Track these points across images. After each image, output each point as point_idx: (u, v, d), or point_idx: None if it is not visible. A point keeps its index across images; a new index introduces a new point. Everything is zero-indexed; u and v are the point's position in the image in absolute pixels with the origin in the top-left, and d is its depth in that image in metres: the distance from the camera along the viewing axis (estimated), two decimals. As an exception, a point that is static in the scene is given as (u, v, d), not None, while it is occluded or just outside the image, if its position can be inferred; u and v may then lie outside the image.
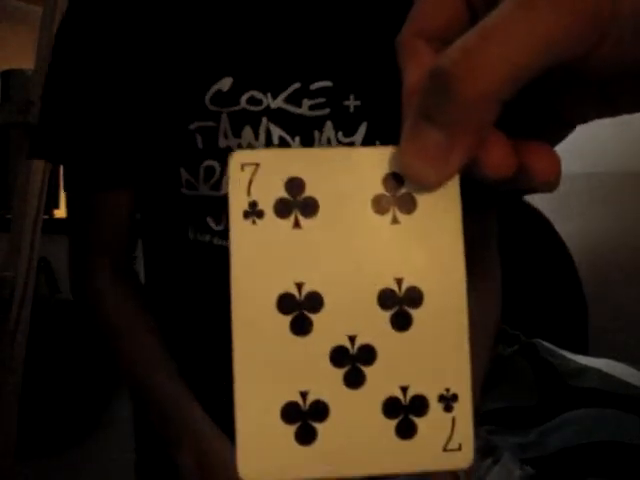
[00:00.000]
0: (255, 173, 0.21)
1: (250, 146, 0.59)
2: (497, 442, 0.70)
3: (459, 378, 0.22)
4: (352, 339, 0.22)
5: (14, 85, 1.48)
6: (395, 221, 0.22)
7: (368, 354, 0.22)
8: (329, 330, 0.21)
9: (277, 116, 0.60)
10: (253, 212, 0.21)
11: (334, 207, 0.21)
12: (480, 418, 0.84)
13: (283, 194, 0.21)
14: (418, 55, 0.22)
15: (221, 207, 0.59)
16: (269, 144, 0.59)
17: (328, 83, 0.60)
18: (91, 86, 0.62)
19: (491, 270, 0.70)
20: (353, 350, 0.21)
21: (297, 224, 0.21)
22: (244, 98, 0.59)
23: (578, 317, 1.29)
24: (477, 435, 0.23)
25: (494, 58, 0.18)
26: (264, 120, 0.59)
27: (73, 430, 1.33)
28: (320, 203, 0.21)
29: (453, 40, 0.20)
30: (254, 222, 0.21)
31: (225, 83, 0.58)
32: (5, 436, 1.09)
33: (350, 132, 0.61)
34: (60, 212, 1.57)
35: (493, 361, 0.94)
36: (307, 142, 0.60)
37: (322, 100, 0.60)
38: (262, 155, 0.21)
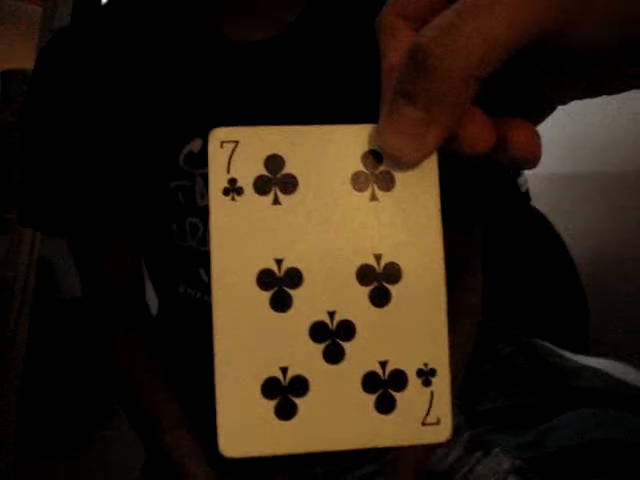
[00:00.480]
0: (234, 150, 0.21)
1: None
2: (494, 439, 0.70)
3: (437, 353, 0.22)
4: (331, 314, 0.22)
5: (14, 85, 1.48)
6: (374, 198, 0.22)
7: (347, 329, 0.22)
8: (308, 306, 0.21)
9: None
10: (232, 189, 0.21)
11: (313, 184, 0.21)
12: (479, 418, 0.84)
13: (262, 171, 0.21)
14: (398, 35, 0.22)
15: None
16: None
17: None
18: (69, 149, 0.61)
19: (470, 299, 0.71)
20: (332, 326, 0.22)
21: (276, 201, 0.21)
22: None
23: (578, 317, 1.29)
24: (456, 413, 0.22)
25: (470, 35, 0.18)
26: None
27: (73, 430, 1.33)
28: (299, 180, 0.21)
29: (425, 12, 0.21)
30: (233, 199, 0.21)
31: (196, 144, 0.58)
32: (5, 436, 1.09)
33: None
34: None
35: (492, 361, 0.94)
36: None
37: None
38: (241, 132, 0.21)
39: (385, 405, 0.22)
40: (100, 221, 0.62)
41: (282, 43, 0.60)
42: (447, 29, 0.18)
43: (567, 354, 0.92)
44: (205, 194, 0.59)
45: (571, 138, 2.19)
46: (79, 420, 1.33)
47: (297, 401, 0.21)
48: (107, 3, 0.65)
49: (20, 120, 0.66)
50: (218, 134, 0.21)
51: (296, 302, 0.21)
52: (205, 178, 0.59)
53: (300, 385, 0.21)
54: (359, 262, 0.22)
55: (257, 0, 0.60)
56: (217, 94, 0.60)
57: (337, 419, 0.22)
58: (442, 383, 0.22)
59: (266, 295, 0.21)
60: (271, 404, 0.21)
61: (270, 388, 0.21)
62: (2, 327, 1.08)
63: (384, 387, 0.22)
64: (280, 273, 0.21)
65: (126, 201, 0.62)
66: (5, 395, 1.09)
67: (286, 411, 0.21)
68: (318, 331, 0.21)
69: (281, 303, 0.21)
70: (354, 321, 0.22)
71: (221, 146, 0.21)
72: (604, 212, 2.02)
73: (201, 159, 0.58)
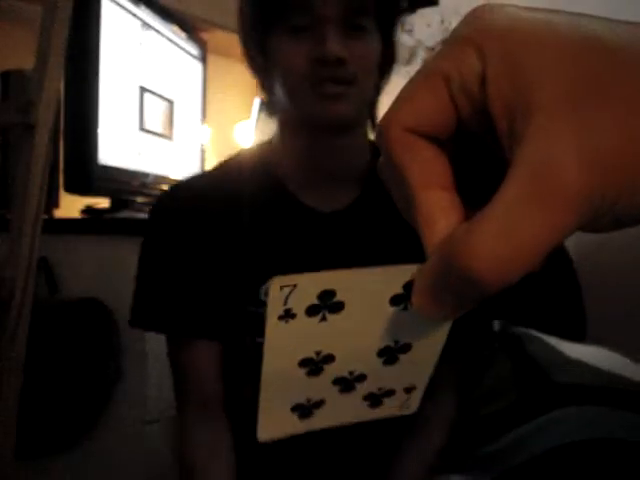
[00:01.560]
0: (292, 291, 0.24)
1: None
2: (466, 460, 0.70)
3: (421, 378, 0.29)
4: (351, 373, 0.28)
5: (14, 85, 1.48)
6: (405, 308, 0.25)
7: (360, 378, 0.28)
8: (335, 370, 0.27)
9: None
10: (287, 315, 0.25)
11: (358, 305, 0.25)
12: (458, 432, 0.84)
13: (315, 302, 0.25)
14: (413, 149, 0.23)
15: None
16: None
17: None
18: (178, 274, 0.82)
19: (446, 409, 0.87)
20: (350, 377, 0.28)
21: (323, 319, 0.25)
22: None
23: (576, 316, 1.28)
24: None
25: (500, 252, 0.19)
26: None
27: (73, 430, 1.33)
28: (346, 303, 0.25)
29: (438, 132, 0.22)
30: (287, 322, 0.25)
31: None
32: (5, 436, 1.09)
33: None
34: (60, 212, 1.57)
35: (475, 361, 0.94)
36: None
37: None
38: (299, 277, 0.24)
39: (375, 404, 0.29)
40: (195, 323, 0.80)
41: (347, 215, 0.80)
42: (477, 245, 0.20)
43: (557, 345, 0.91)
44: None
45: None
46: (79, 420, 1.32)
47: (314, 410, 0.28)
48: (209, 172, 0.87)
49: (142, 247, 0.85)
50: (278, 280, 0.24)
51: (326, 370, 0.27)
52: None
53: (317, 404, 0.28)
54: (382, 345, 0.27)
55: (330, 179, 0.80)
56: (292, 248, 0.79)
57: (340, 416, 0.29)
58: (419, 390, 0.30)
59: (304, 370, 0.27)
60: (296, 413, 0.28)
61: (297, 407, 0.28)
62: (2, 327, 1.08)
63: (378, 397, 0.29)
64: (317, 358, 0.26)
65: (216, 316, 0.80)
66: (5, 395, 1.09)
67: (305, 416, 0.28)
68: (338, 381, 0.28)
69: (314, 373, 0.27)
70: (367, 373, 0.28)
71: (280, 289, 0.24)
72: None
73: None
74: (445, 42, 0.22)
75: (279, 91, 0.77)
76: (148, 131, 1.66)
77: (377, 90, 0.83)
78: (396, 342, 0.27)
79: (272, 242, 0.80)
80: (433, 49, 2.33)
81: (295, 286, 0.24)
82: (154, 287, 0.85)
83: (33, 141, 1.08)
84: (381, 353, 0.27)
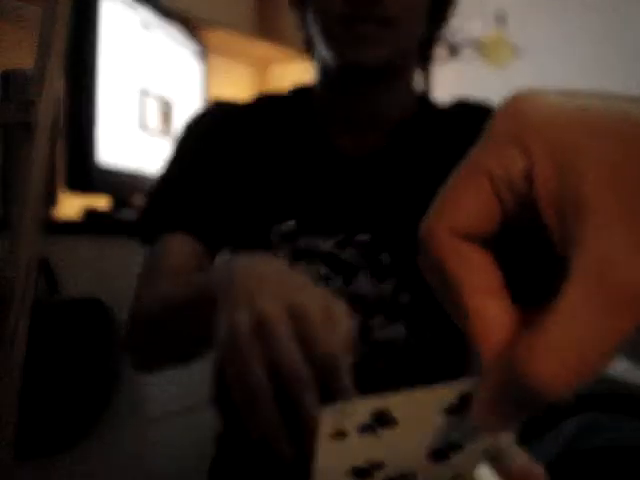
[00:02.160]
0: (344, 414, 0.24)
1: None
2: None
3: (469, 468, 0.29)
4: (403, 475, 0.27)
5: (14, 85, 1.48)
6: (460, 417, 0.25)
7: (410, 477, 0.27)
8: (385, 473, 0.27)
9: (326, 258, 0.73)
10: (338, 435, 0.25)
11: (412, 419, 0.25)
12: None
13: (368, 421, 0.24)
14: (464, 257, 0.22)
15: None
16: (315, 279, 0.71)
17: (367, 237, 0.74)
18: (200, 173, 0.78)
19: None
20: (400, 478, 0.27)
21: (376, 433, 0.25)
22: (303, 239, 0.73)
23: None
24: None
25: (567, 364, 0.19)
26: (317, 260, 0.73)
27: (73, 430, 1.33)
28: (399, 420, 0.25)
29: (486, 233, 0.22)
30: (338, 440, 0.25)
31: (290, 225, 0.74)
32: (5, 436, 1.09)
33: (381, 280, 0.73)
34: (59, 212, 1.57)
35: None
36: (347, 281, 0.73)
37: (362, 251, 0.74)
38: (351, 405, 0.24)
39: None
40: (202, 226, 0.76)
41: (380, 159, 0.77)
42: (541, 361, 0.19)
43: None
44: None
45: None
46: (79, 420, 1.32)
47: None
48: (249, 101, 0.86)
49: (174, 144, 0.82)
50: (327, 423, 0.24)
51: (376, 476, 0.27)
52: (293, 252, 0.74)
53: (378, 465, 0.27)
54: (434, 447, 0.26)
55: (364, 120, 0.77)
56: (311, 191, 0.76)
57: None
58: (467, 476, 0.29)
59: (353, 477, 0.26)
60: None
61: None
62: (2, 327, 1.08)
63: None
64: (367, 466, 0.26)
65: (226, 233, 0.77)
66: (5, 395, 1.09)
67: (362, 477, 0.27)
68: None
69: (363, 476, 0.27)
70: (416, 472, 0.27)
71: (332, 415, 0.24)
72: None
73: (293, 236, 0.74)
74: (485, 135, 0.22)
75: (314, 30, 0.73)
76: (148, 131, 1.66)
77: (428, 39, 0.77)
78: (448, 444, 0.26)
79: (294, 180, 0.77)
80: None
81: (347, 411, 0.24)
82: (175, 182, 0.79)
83: (33, 141, 1.08)
84: (432, 455, 0.27)
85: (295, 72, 2.60)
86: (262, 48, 2.43)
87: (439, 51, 2.08)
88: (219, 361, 0.45)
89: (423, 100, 0.81)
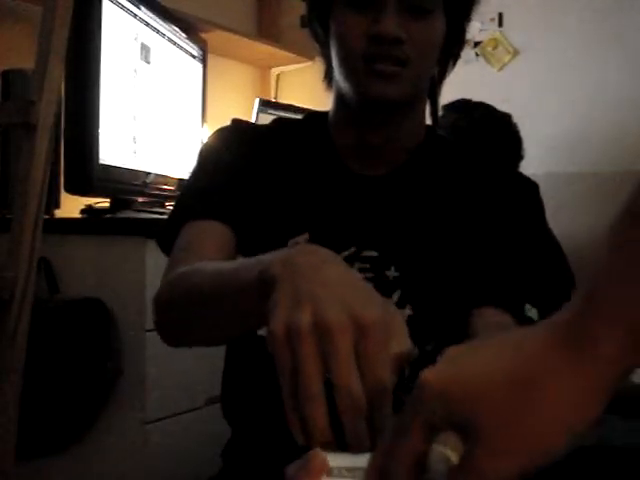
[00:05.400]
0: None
1: None
2: None
3: None
4: None
5: (14, 85, 1.48)
6: None
7: None
8: None
9: None
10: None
11: None
12: None
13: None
14: None
15: None
16: None
17: (375, 253, 0.79)
18: (223, 179, 0.82)
19: None
20: None
21: None
22: None
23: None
24: None
25: None
26: None
27: (73, 430, 1.33)
28: None
29: None
30: None
31: (303, 237, 0.78)
32: (5, 436, 1.09)
33: (386, 294, 0.75)
34: (60, 212, 1.57)
35: None
36: None
37: (368, 266, 0.78)
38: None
39: None
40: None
41: (390, 180, 0.82)
42: None
43: None
44: None
45: (573, 139, 2.19)
46: (78, 420, 1.33)
47: None
48: (269, 125, 0.91)
49: (198, 156, 0.88)
50: None
51: None
52: None
53: None
54: None
55: (378, 154, 0.82)
56: (325, 206, 0.82)
57: None
58: None
59: None
60: None
61: None
62: (2, 327, 1.08)
63: None
64: None
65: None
66: (5, 395, 1.09)
67: None
68: None
69: None
70: None
71: None
72: (607, 211, 2.02)
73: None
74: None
75: (335, 63, 0.79)
76: (148, 131, 1.66)
77: (440, 73, 0.85)
78: None
79: (308, 196, 0.82)
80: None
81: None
82: (200, 189, 0.84)
83: (33, 141, 1.08)
84: None
85: (295, 73, 2.61)
86: (262, 49, 2.43)
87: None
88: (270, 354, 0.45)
89: (431, 129, 0.88)
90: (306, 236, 0.79)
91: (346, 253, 0.79)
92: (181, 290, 0.67)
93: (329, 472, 0.39)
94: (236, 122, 0.90)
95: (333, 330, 0.43)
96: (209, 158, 0.86)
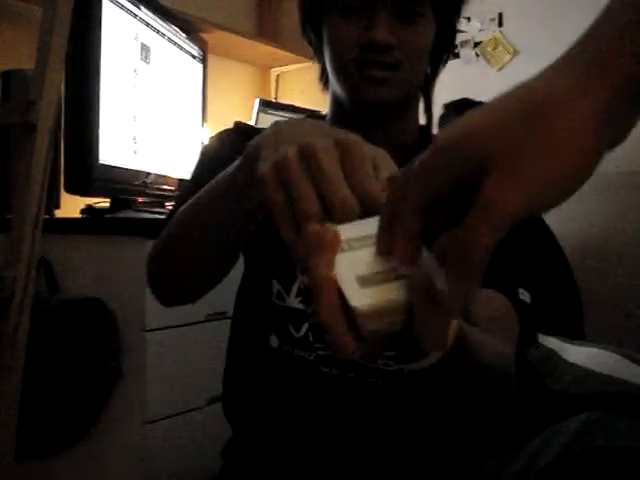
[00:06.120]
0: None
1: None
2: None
3: None
4: None
5: (14, 85, 1.48)
6: None
7: None
8: None
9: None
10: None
11: None
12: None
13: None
14: None
15: (303, 318, 0.76)
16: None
17: None
18: None
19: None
20: None
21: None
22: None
23: (573, 315, 1.28)
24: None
25: None
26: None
27: (73, 430, 1.33)
28: None
29: None
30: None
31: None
32: (5, 436, 1.09)
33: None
34: (60, 212, 1.57)
35: None
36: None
37: None
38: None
39: None
40: None
41: None
42: None
43: (561, 346, 0.91)
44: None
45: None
46: (78, 420, 1.33)
47: None
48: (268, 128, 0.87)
49: (198, 158, 0.87)
50: None
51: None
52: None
53: None
54: None
55: None
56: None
57: None
58: None
59: None
60: None
61: None
62: (2, 327, 1.08)
63: None
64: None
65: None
66: (5, 395, 1.09)
67: None
68: None
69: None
70: None
71: None
72: (607, 211, 2.02)
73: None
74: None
75: (329, 67, 0.82)
76: (148, 131, 1.66)
77: (432, 75, 0.87)
78: None
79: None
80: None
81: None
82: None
83: (33, 141, 1.08)
84: None
85: (295, 73, 2.61)
86: (262, 49, 2.43)
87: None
88: (263, 203, 0.46)
89: (424, 129, 0.89)
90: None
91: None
92: (171, 227, 0.69)
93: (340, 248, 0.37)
94: (238, 124, 0.91)
95: (318, 151, 0.44)
96: (210, 158, 0.87)
